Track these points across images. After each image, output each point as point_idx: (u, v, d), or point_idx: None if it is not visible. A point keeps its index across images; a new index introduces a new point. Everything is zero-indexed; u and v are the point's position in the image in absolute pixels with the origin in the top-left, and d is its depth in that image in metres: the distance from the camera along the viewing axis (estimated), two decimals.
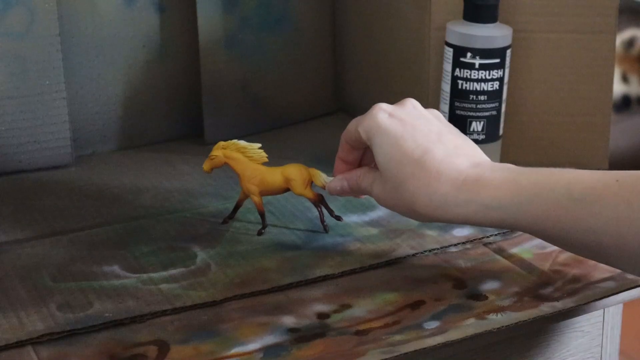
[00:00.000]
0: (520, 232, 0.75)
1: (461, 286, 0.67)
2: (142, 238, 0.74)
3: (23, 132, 0.87)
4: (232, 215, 0.77)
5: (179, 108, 0.97)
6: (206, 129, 0.95)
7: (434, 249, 0.73)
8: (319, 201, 0.74)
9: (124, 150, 0.95)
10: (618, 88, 1.91)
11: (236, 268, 0.70)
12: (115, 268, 0.69)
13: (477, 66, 0.81)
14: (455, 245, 0.74)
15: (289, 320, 0.63)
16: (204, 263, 0.70)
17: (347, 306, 0.65)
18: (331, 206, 0.76)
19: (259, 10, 0.96)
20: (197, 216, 0.79)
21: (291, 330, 0.62)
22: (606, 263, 0.63)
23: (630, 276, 0.68)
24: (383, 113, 0.68)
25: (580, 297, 0.66)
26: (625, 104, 1.92)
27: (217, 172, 0.77)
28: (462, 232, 0.75)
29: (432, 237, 0.74)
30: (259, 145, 0.74)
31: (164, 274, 0.69)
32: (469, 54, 0.81)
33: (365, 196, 0.73)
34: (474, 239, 0.74)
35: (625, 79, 1.89)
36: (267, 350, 0.59)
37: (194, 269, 0.69)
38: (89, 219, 0.78)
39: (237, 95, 0.97)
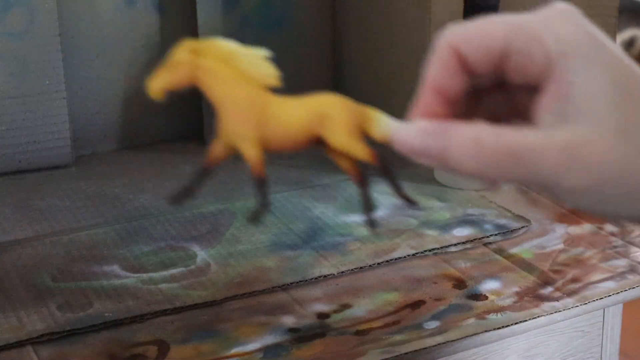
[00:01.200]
0: (521, 232, 0.75)
1: (461, 286, 0.67)
2: (142, 238, 0.74)
3: (23, 132, 0.87)
4: (189, 191, 0.49)
5: (179, 108, 0.97)
6: (206, 129, 0.95)
7: (434, 249, 0.73)
8: (382, 165, 0.44)
9: (124, 150, 0.95)
10: None
11: (236, 268, 0.69)
12: (115, 268, 0.69)
13: None
14: (455, 245, 0.73)
15: (289, 320, 0.63)
16: (204, 263, 0.70)
17: (347, 306, 0.65)
18: (324, 203, 0.73)
19: (259, 10, 0.96)
20: (197, 216, 0.79)
21: (291, 330, 0.61)
22: None
23: (630, 276, 0.68)
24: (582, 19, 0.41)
25: (580, 297, 0.66)
26: None
27: (217, 171, 0.75)
28: (462, 232, 0.75)
29: (432, 237, 0.74)
30: (266, 53, 0.46)
31: (164, 273, 0.69)
32: None
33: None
34: (474, 239, 0.74)
35: None
36: (267, 350, 0.59)
37: (194, 268, 0.69)
38: (89, 218, 0.78)
39: None
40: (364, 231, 0.75)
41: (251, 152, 0.43)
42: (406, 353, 0.59)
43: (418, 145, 0.38)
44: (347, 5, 1.01)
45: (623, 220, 0.41)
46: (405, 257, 0.71)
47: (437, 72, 0.40)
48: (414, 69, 0.91)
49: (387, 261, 0.71)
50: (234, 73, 0.43)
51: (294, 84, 1.08)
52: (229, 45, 0.43)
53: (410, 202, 0.44)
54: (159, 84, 0.44)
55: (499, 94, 0.42)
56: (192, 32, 0.94)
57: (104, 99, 0.93)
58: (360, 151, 0.42)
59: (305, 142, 0.42)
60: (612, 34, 0.89)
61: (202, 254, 0.72)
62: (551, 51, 0.38)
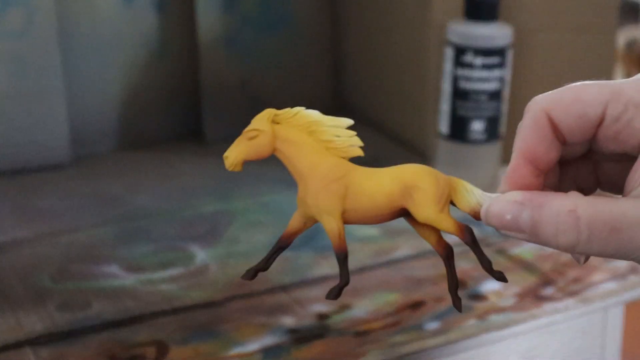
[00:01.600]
0: None
1: (462, 287, 0.67)
2: (141, 238, 0.74)
3: (22, 131, 0.87)
4: (267, 264, 0.44)
5: (179, 108, 0.97)
6: (206, 129, 0.95)
7: (434, 249, 0.72)
8: (470, 238, 0.42)
9: (123, 150, 0.94)
10: None
11: (236, 268, 0.69)
12: (115, 268, 0.69)
13: (477, 65, 0.81)
14: (456, 245, 0.73)
15: (288, 321, 0.62)
16: (204, 263, 0.70)
17: (347, 306, 0.64)
18: None
19: (259, 10, 0.96)
20: (196, 216, 0.78)
21: (291, 331, 0.61)
22: None
23: (631, 277, 0.68)
24: None
25: (581, 297, 0.66)
26: None
27: (217, 170, 0.75)
28: None
29: None
30: (349, 122, 0.41)
31: (163, 274, 0.68)
32: (469, 54, 0.81)
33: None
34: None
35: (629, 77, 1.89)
36: (266, 351, 0.59)
37: (194, 269, 0.69)
38: (88, 219, 0.78)
39: (237, 95, 0.96)
40: (364, 231, 0.75)
41: (334, 226, 0.42)
42: (406, 354, 0.59)
43: (509, 219, 0.37)
44: (347, 5, 1.00)
45: None
46: (405, 257, 0.71)
47: (532, 141, 0.38)
48: (414, 68, 0.91)
49: (387, 261, 0.71)
50: (318, 144, 0.40)
51: (294, 84, 1.09)
52: (312, 115, 0.40)
53: (497, 277, 0.42)
54: (239, 155, 0.40)
55: (582, 164, 0.41)
56: (192, 31, 0.93)
57: (103, 98, 0.93)
58: (448, 225, 0.40)
59: (389, 215, 0.41)
60: (613, 34, 0.88)
61: (201, 255, 0.71)
62: None
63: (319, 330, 0.61)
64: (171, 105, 0.97)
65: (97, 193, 0.83)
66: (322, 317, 0.63)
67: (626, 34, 1.85)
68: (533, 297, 0.66)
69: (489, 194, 0.39)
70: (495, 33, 0.81)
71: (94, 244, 0.73)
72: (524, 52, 0.87)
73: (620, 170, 0.40)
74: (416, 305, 0.65)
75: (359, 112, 1.01)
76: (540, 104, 0.38)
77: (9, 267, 0.69)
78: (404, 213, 0.40)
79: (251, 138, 0.39)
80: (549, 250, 0.72)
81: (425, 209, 0.39)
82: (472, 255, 0.73)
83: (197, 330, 0.61)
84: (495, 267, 0.72)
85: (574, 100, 0.38)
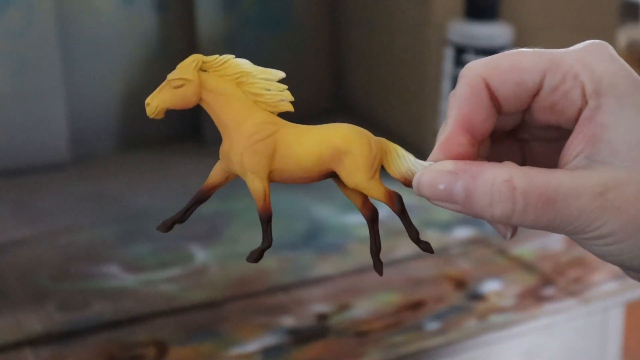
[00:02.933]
0: (522, 232, 0.74)
1: (462, 287, 0.67)
2: (140, 238, 0.74)
3: (21, 131, 0.87)
4: (184, 215, 0.42)
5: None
6: (205, 129, 0.95)
7: (434, 250, 0.72)
8: (399, 207, 0.40)
9: (123, 150, 0.94)
10: None
11: (236, 268, 0.69)
12: (114, 268, 0.69)
13: None
14: (456, 246, 0.73)
15: (288, 321, 0.62)
16: (203, 263, 0.70)
17: (347, 307, 0.64)
18: (324, 203, 0.74)
19: (259, 10, 0.95)
20: (196, 216, 0.78)
21: (291, 331, 0.61)
22: None
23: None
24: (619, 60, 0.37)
25: (582, 298, 0.65)
26: None
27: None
28: (463, 233, 0.75)
29: (433, 237, 0.74)
30: (281, 74, 0.39)
31: (163, 274, 0.68)
32: (470, 53, 0.80)
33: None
34: (476, 240, 0.74)
35: None
36: (266, 351, 0.59)
37: (193, 269, 0.69)
38: (87, 219, 0.78)
39: None
40: (364, 231, 0.75)
41: (259, 186, 0.38)
42: (406, 354, 0.58)
43: (443, 188, 0.36)
44: (347, 5, 1.00)
45: None
46: (405, 257, 0.71)
47: (469, 108, 0.36)
48: (414, 68, 0.91)
49: (387, 262, 0.71)
50: (246, 97, 0.38)
51: (293, 84, 1.08)
52: (243, 65, 0.38)
53: (424, 248, 0.41)
54: (160, 103, 0.39)
55: (510, 142, 0.40)
56: (192, 31, 0.93)
57: (102, 98, 0.93)
58: (378, 193, 0.38)
59: (317, 177, 0.38)
60: (612, 34, 0.88)
61: (201, 255, 0.71)
62: (587, 89, 0.36)
63: (318, 331, 0.61)
64: None
65: (97, 193, 0.83)
66: (322, 317, 0.63)
67: (627, 34, 1.85)
68: (533, 297, 0.65)
69: (422, 162, 0.37)
70: (496, 32, 0.81)
71: (93, 244, 0.73)
72: None
73: (547, 150, 0.39)
74: (416, 305, 0.64)
75: (359, 112, 1.01)
76: (476, 69, 0.37)
77: (8, 267, 0.69)
78: (333, 175, 0.38)
79: (177, 87, 0.38)
80: (550, 250, 0.72)
81: (356, 176, 0.37)
82: (472, 255, 0.73)
83: (197, 331, 0.61)
84: (496, 268, 0.72)
85: (511, 67, 0.37)
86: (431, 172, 0.36)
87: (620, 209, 0.35)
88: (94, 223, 0.77)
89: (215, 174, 0.40)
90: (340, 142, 0.37)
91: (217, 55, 0.37)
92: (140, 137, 0.95)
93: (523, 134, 0.40)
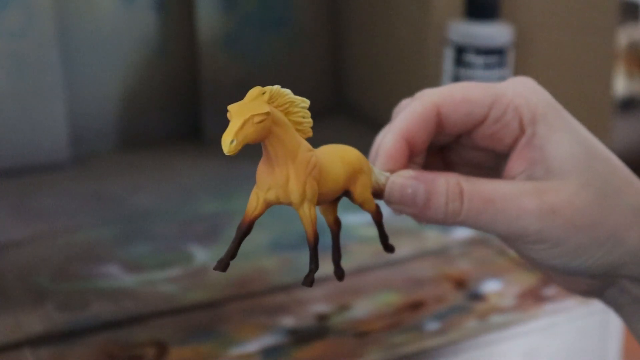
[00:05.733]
0: None
1: (462, 287, 0.67)
2: (141, 238, 0.74)
3: (21, 131, 0.87)
4: (235, 252, 0.41)
5: (178, 108, 0.97)
6: (205, 129, 0.95)
7: (434, 250, 0.72)
8: (381, 216, 0.43)
9: (123, 150, 0.94)
10: (624, 87, 1.91)
11: (236, 268, 0.69)
12: (114, 268, 0.69)
13: (478, 65, 0.81)
14: (456, 246, 0.73)
15: (288, 321, 0.62)
16: (203, 263, 0.70)
17: (347, 307, 0.64)
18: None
19: (259, 10, 0.96)
20: (195, 216, 0.78)
21: (291, 331, 0.61)
22: None
23: None
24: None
25: (582, 298, 0.65)
26: (632, 103, 1.92)
27: (217, 170, 0.75)
28: (463, 233, 0.75)
29: (433, 237, 0.74)
30: (308, 102, 0.38)
31: (163, 274, 0.68)
32: (470, 53, 0.80)
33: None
34: (476, 240, 0.74)
35: (631, 78, 1.89)
36: (266, 351, 0.59)
37: (193, 269, 0.69)
38: (87, 219, 0.78)
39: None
40: (364, 231, 0.75)
41: (314, 213, 0.39)
42: (406, 354, 0.58)
43: (410, 192, 0.40)
44: (347, 5, 1.00)
45: (588, 276, 0.43)
46: (405, 257, 0.71)
47: (415, 126, 0.41)
48: (414, 68, 0.91)
49: (387, 261, 0.71)
50: (291, 123, 0.37)
51: (294, 84, 1.08)
52: (289, 95, 0.37)
53: (387, 249, 0.44)
54: (243, 139, 0.35)
55: (439, 160, 0.46)
56: (192, 31, 0.93)
57: (102, 98, 0.93)
58: (373, 204, 0.41)
59: (337, 194, 0.40)
60: (612, 34, 0.88)
61: (201, 255, 0.71)
62: (524, 118, 0.41)
63: (318, 331, 0.61)
64: (171, 105, 0.97)
65: (97, 193, 0.83)
66: (322, 317, 0.63)
67: (627, 34, 1.85)
68: (534, 297, 0.65)
69: (382, 172, 0.41)
70: (496, 32, 0.81)
71: (93, 244, 0.73)
72: (524, 51, 0.87)
73: (471, 175, 0.43)
74: (416, 306, 0.64)
75: (359, 111, 1.01)
76: (432, 97, 0.42)
77: (8, 267, 0.69)
78: (343, 195, 0.41)
79: (259, 122, 0.35)
80: None
81: (365, 191, 0.40)
82: (472, 255, 0.73)
83: (197, 331, 0.61)
84: (496, 267, 0.73)
85: (462, 100, 0.42)
86: (398, 178, 0.40)
87: (555, 212, 0.39)
88: (94, 223, 0.77)
89: (258, 204, 0.39)
90: (356, 161, 0.40)
91: (278, 87, 0.37)
92: (140, 137, 0.96)
93: (453, 156, 0.45)
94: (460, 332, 0.61)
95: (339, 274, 0.43)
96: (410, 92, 0.92)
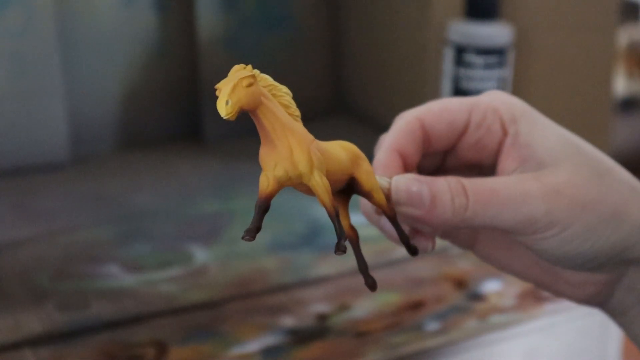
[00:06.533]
0: None
1: (462, 287, 0.67)
2: (140, 238, 0.74)
3: (20, 131, 0.87)
4: (259, 224, 0.38)
5: (178, 108, 0.97)
6: (205, 129, 0.95)
7: (434, 250, 0.72)
8: (392, 211, 0.42)
9: (123, 150, 0.94)
10: (624, 87, 1.91)
11: (235, 268, 0.69)
12: (114, 268, 0.69)
13: (478, 65, 0.81)
14: (455, 246, 0.73)
15: (288, 321, 0.62)
16: (203, 263, 0.70)
17: (347, 307, 0.64)
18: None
19: (259, 10, 0.95)
20: (195, 216, 0.78)
21: (291, 331, 0.61)
22: None
23: None
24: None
25: None
26: (632, 103, 1.92)
27: (217, 170, 0.75)
28: None
29: None
30: (290, 93, 0.39)
31: (163, 274, 0.68)
32: (470, 53, 0.80)
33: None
34: None
35: (631, 78, 1.89)
36: (266, 351, 0.59)
37: (193, 269, 0.69)
38: (87, 218, 0.78)
39: None
40: (364, 231, 0.75)
41: (325, 181, 0.37)
42: (406, 354, 0.58)
43: (415, 190, 0.40)
44: (347, 5, 1.00)
45: (601, 266, 0.43)
46: (405, 257, 0.71)
47: (403, 140, 0.43)
48: (414, 68, 0.91)
49: (387, 262, 0.71)
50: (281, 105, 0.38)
51: (294, 84, 1.08)
52: (270, 78, 0.38)
53: (411, 251, 0.44)
54: (237, 102, 0.36)
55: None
56: (192, 31, 0.93)
57: (102, 98, 0.93)
58: (381, 195, 0.41)
59: (345, 180, 0.40)
60: (614, 33, 0.88)
61: (201, 255, 0.71)
62: (505, 119, 0.42)
63: (318, 331, 0.61)
64: (171, 105, 0.96)
65: (97, 193, 0.83)
66: (322, 317, 0.63)
67: (627, 34, 1.85)
68: (534, 297, 0.65)
69: (384, 177, 0.42)
70: (496, 32, 0.81)
71: (93, 244, 0.73)
72: (524, 51, 0.87)
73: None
74: (416, 306, 0.64)
75: (359, 111, 1.01)
76: (413, 113, 0.44)
77: (7, 267, 0.69)
78: (349, 184, 0.40)
79: (248, 85, 0.36)
80: None
81: (372, 177, 0.40)
82: (472, 255, 0.73)
83: (197, 331, 0.61)
84: (496, 268, 0.72)
85: (442, 109, 0.43)
86: (402, 179, 0.41)
87: (559, 192, 0.40)
88: (94, 223, 0.77)
89: (268, 184, 0.38)
90: (355, 149, 0.40)
91: (250, 67, 0.37)
92: (140, 137, 0.95)
93: (439, 172, 0.46)
94: (460, 332, 0.61)
95: (370, 283, 0.44)
96: (410, 92, 0.92)
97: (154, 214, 0.79)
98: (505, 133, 0.43)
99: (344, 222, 0.42)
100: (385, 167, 0.43)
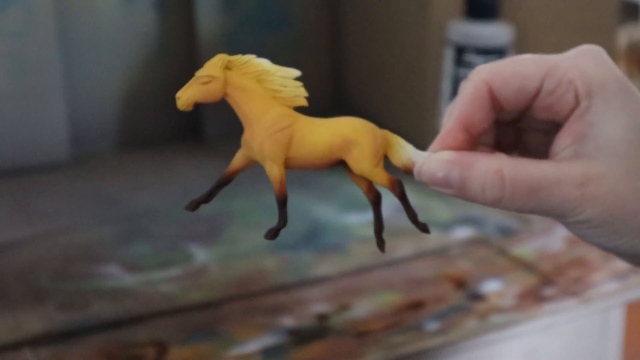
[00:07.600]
0: (522, 233, 0.74)
1: (462, 287, 0.67)
2: (140, 238, 0.74)
3: (21, 131, 0.87)
4: (208, 198, 0.46)
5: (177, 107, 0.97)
6: (205, 129, 0.95)
7: (434, 250, 0.72)
8: (400, 191, 0.43)
9: (123, 150, 0.94)
10: None
11: (236, 268, 0.69)
12: (114, 268, 0.69)
13: (478, 65, 0.80)
14: (456, 246, 0.73)
15: (288, 321, 0.62)
16: (203, 263, 0.70)
17: (347, 307, 0.64)
18: (324, 203, 0.74)
19: (259, 10, 0.95)
20: (195, 216, 0.78)
21: (291, 331, 0.61)
22: None
23: (632, 277, 0.68)
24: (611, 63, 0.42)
25: (582, 298, 0.65)
26: None
27: (217, 170, 0.75)
28: (463, 233, 0.75)
29: (433, 237, 0.74)
30: (297, 72, 0.44)
31: (163, 274, 0.68)
32: (470, 53, 0.80)
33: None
34: (476, 240, 0.74)
35: (631, 78, 1.90)
36: (266, 351, 0.59)
37: (193, 269, 0.69)
38: (87, 218, 0.78)
39: None
40: (364, 231, 0.75)
41: (276, 172, 0.43)
42: (406, 354, 0.58)
43: (441, 176, 0.40)
44: (347, 5, 1.00)
45: (629, 257, 0.42)
46: (405, 257, 0.71)
47: (470, 109, 0.41)
48: (414, 68, 0.91)
49: (387, 262, 0.70)
50: (266, 92, 0.43)
51: None
52: (263, 64, 0.42)
53: (422, 229, 0.44)
54: (190, 97, 0.43)
55: (507, 129, 0.44)
56: (191, 31, 0.93)
57: (102, 98, 0.93)
58: (382, 179, 0.42)
59: (327, 164, 0.43)
60: (612, 34, 0.88)
61: (200, 255, 0.71)
62: (580, 91, 0.40)
63: (318, 331, 0.61)
64: (171, 105, 0.96)
65: (96, 192, 0.83)
66: (322, 317, 0.63)
67: (627, 34, 1.85)
68: (533, 297, 0.65)
69: (420, 152, 0.42)
70: (496, 32, 0.81)
71: (93, 244, 0.73)
72: (524, 51, 0.87)
73: (539, 141, 0.43)
74: (416, 306, 0.64)
75: (359, 111, 1.01)
76: (482, 75, 0.41)
77: (8, 267, 0.69)
78: (342, 163, 0.43)
79: (204, 83, 0.42)
80: (550, 250, 0.72)
81: (362, 164, 0.42)
82: (472, 255, 0.73)
83: (197, 331, 0.61)
84: (496, 267, 0.72)
85: (513, 74, 0.41)
86: (432, 161, 0.40)
87: (598, 199, 0.39)
88: (94, 223, 0.77)
89: (237, 160, 0.44)
90: (349, 133, 0.42)
91: (240, 55, 0.41)
92: (140, 137, 0.95)
93: (521, 122, 0.44)
94: (460, 332, 0.61)
95: (380, 243, 0.44)
96: (410, 92, 0.92)
97: (154, 214, 0.79)
98: (578, 104, 0.40)
99: (362, 187, 0.43)
100: (441, 142, 0.41)
